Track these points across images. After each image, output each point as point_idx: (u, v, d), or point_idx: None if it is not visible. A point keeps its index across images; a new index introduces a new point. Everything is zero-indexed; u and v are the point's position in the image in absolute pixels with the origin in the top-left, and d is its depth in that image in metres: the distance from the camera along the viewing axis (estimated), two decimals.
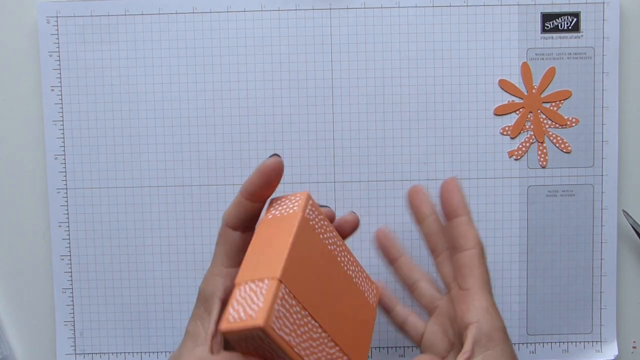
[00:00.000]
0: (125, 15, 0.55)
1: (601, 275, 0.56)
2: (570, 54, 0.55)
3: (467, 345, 0.41)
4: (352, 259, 0.44)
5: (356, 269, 0.44)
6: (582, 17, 0.55)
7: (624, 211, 0.56)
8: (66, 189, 0.56)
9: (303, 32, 0.55)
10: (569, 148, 0.55)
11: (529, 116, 0.55)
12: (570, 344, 0.57)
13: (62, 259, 0.56)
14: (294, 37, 0.55)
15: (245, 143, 0.55)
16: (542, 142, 0.55)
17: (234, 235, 0.42)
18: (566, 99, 0.55)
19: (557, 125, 0.55)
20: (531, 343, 0.57)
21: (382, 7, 0.55)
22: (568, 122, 0.55)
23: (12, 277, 0.57)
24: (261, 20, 0.55)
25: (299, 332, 0.37)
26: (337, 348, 0.40)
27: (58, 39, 0.55)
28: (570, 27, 0.55)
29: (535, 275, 0.56)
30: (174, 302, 0.56)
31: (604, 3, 0.55)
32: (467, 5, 0.55)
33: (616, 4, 0.55)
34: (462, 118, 0.55)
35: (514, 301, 0.56)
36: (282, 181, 0.55)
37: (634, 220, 0.56)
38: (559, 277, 0.56)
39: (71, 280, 0.56)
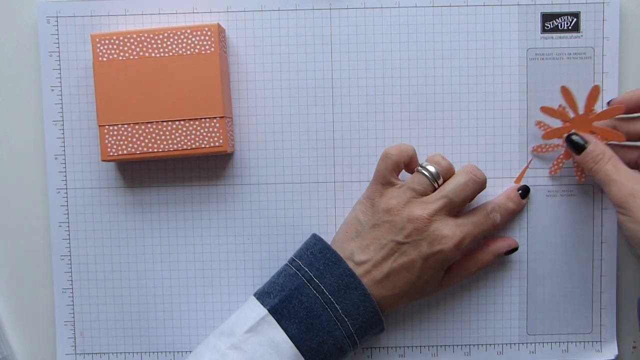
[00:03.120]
0: (125, 15, 0.55)
1: (601, 275, 0.56)
2: (570, 54, 0.55)
3: None
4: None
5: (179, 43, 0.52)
6: (582, 17, 0.55)
7: None
8: (66, 189, 0.56)
9: (303, 32, 0.55)
10: (583, 179, 0.55)
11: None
12: (570, 344, 0.57)
13: (62, 259, 0.56)
14: (294, 37, 0.55)
15: (246, 143, 0.55)
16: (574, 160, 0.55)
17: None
18: (617, 141, 0.52)
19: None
20: (531, 343, 0.57)
21: (382, 7, 0.55)
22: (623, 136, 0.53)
23: (12, 277, 0.57)
24: (261, 20, 0.55)
25: (134, 139, 0.52)
26: (186, 117, 0.52)
27: (58, 39, 0.55)
28: (570, 27, 0.55)
29: (535, 275, 0.56)
30: (174, 302, 0.56)
31: (603, 3, 0.55)
32: (467, 5, 0.55)
33: (616, 4, 0.55)
34: (462, 118, 0.55)
35: (514, 301, 0.56)
36: (282, 181, 0.55)
37: None
38: (559, 277, 0.56)
39: (71, 280, 0.56)
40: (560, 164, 0.55)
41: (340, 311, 0.49)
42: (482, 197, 0.55)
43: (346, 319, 0.49)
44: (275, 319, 0.49)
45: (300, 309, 0.49)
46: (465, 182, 0.51)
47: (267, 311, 0.49)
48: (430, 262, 0.50)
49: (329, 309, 0.49)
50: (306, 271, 0.50)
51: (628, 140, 0.52)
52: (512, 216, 0.55)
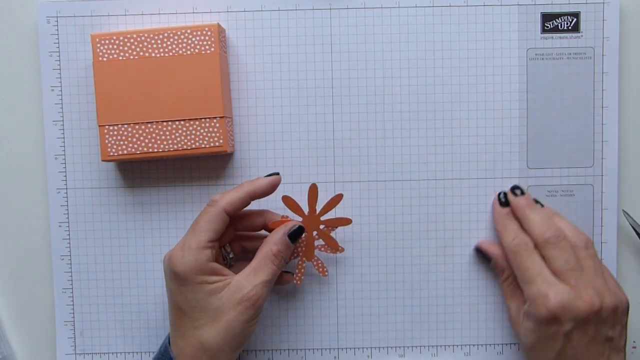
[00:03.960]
0: (125, 15, 0.55)
1: None
2: (570, 54, 0.55)
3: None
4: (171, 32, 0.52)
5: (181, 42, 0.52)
6: (582, 17, 0.55)
7: (624, 211, 0.56)
8: (66, 189, 0.56)
9: (303, 32, 0.55)
10: (326, 273, 0.54)
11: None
12: None
13: (62, 259, 0.56)
14: (294, 37, 0.55)
15: (246, 143, 0.55)
16: (312, 260, 0.54)
17: (226, 218, 0.49)
18: (338, 203, 0.52)
19: (329, 249, 0.54)
20: None
21: (382, 7, 0.55)
22: (339, 249, 0.53)
23: (12, 277, 0.57)
24: (261, 20, 0.55)
25: (134, 139, 0.52)
26: (184, 117, 0.51)
27: (58, 39, 0.55)
28: (570, 27, 0.55)
29: None
30: None
31: (603, 3, 0.55)
32: (467, 5, 0.55)
33: (616, 4, 0.55)
34: (462, 118, 0.55)
35: None
36: (282, 181, 0.55)
37: (634, 220, 0.56)
38: None
39: (71, 280, 0.56)
40: (303, 270, 0.53)
41: None
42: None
43: None
44: None
45: None
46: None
47: None
48: None
49: None
50: None
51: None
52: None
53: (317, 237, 0.53)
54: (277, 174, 0.51)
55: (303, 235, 0.52)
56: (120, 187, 0.56)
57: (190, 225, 0.50)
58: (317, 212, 0.53)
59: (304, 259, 0.53)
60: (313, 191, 0.52)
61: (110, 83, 0.51)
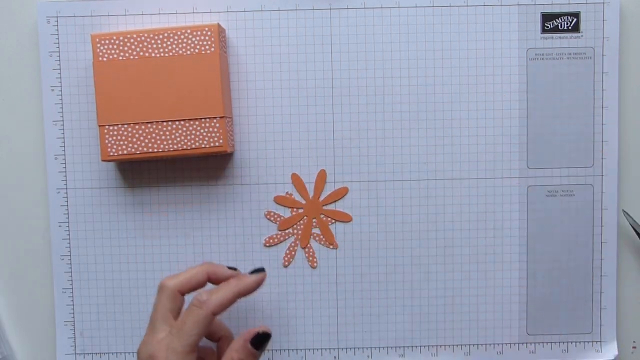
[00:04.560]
0: (125, 15, 0.55)
1: (601, 275, 0.56)
2: (570, 54, 0.55)
3: None
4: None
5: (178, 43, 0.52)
6: (582, 17, 0.55)
7: (624, 211, 0.56)
8: (66, 189, 0.56)
9: (303, 32, 0.55)
10: (315, 265, 0.56)
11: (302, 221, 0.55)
12: (570, 344, 0.57)
13: (62, 259, 0.56)
14: (294, 37, 0.55)
15: (246, 143, 0.55)
16: (305, 247, 0.56)
17: (212, 320, 0.47)
18: (343, 196, 0.55)
19: (323, 240, 0.55)
20: (531, 343, 0.57)
21: (382, 7, 0.55)
22: (334, 243, 0.55)
23: (12, 277, 0.57)
24: (261, 20, 0.55)
25: (134, 139, 0.52)
26: (184, 117, 0.51)
27: (58, 39, 0.55)
28: (570, 27, 0.55)
29: (535, 275, 0.56)
30: None
31: (604, 3, 0.55)
32: (467, 5, 0.55)
33: (616, 4, 0.55)
34: (462, 118, 0.55)
35: (513, 301, 0.56)
36: (282, 181, 0.55)
37: (634, 220, 0.56)
38: (559, 277, 0.56)
39: (71, 280, 0.56)
40: (293, 253, 0.55)
41: None
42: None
43: None
44: None
45: None
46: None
47: None
48: None
49: None
50: None
51: None
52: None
53: (315, 225, 0.54)
54: (263, 269, 0.49)
55: (268, 341, 0.49)
56: (120, 187, 0.56)
57: (175, 323, 0.47)
58: (321, 200, 0.54)
59: (297, 242, 0.54)
60: (321, 177, 0.54)
61: (110, 83, 0.52)
